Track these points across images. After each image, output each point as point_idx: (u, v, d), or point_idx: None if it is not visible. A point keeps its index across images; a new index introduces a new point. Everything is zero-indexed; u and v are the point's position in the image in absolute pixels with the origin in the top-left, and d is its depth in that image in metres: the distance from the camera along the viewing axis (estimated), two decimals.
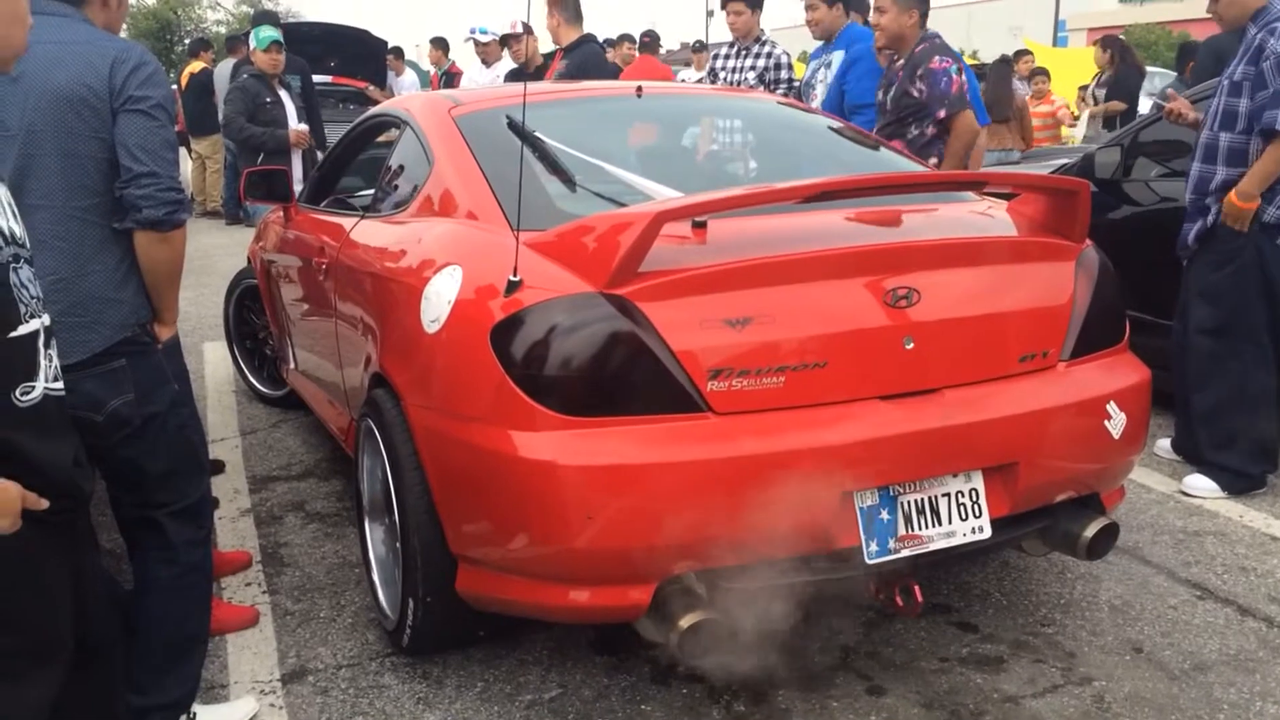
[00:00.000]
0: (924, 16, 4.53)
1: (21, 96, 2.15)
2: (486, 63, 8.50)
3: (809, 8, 5.40)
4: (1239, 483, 3.82)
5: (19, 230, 1.63)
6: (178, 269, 2.38)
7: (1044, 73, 10.07)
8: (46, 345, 1.62)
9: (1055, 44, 25.48)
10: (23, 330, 1.56)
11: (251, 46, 6.42)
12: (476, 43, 8.43)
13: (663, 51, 17.89)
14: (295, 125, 6.31)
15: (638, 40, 10.90)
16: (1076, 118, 9.86)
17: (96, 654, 1.75)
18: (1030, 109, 9.13)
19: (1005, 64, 9.64)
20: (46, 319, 1.64)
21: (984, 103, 8.91)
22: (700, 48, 15.02)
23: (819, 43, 5.55)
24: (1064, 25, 33.93)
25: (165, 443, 2.33)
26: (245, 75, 6.53)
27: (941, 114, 4.38)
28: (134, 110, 2.20)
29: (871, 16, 4.70)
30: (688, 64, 15.51)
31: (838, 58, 5.32)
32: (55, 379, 1.63)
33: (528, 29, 7.26)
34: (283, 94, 6.37)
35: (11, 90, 2.14)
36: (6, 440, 1.50)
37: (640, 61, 9.47)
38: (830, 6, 5.33)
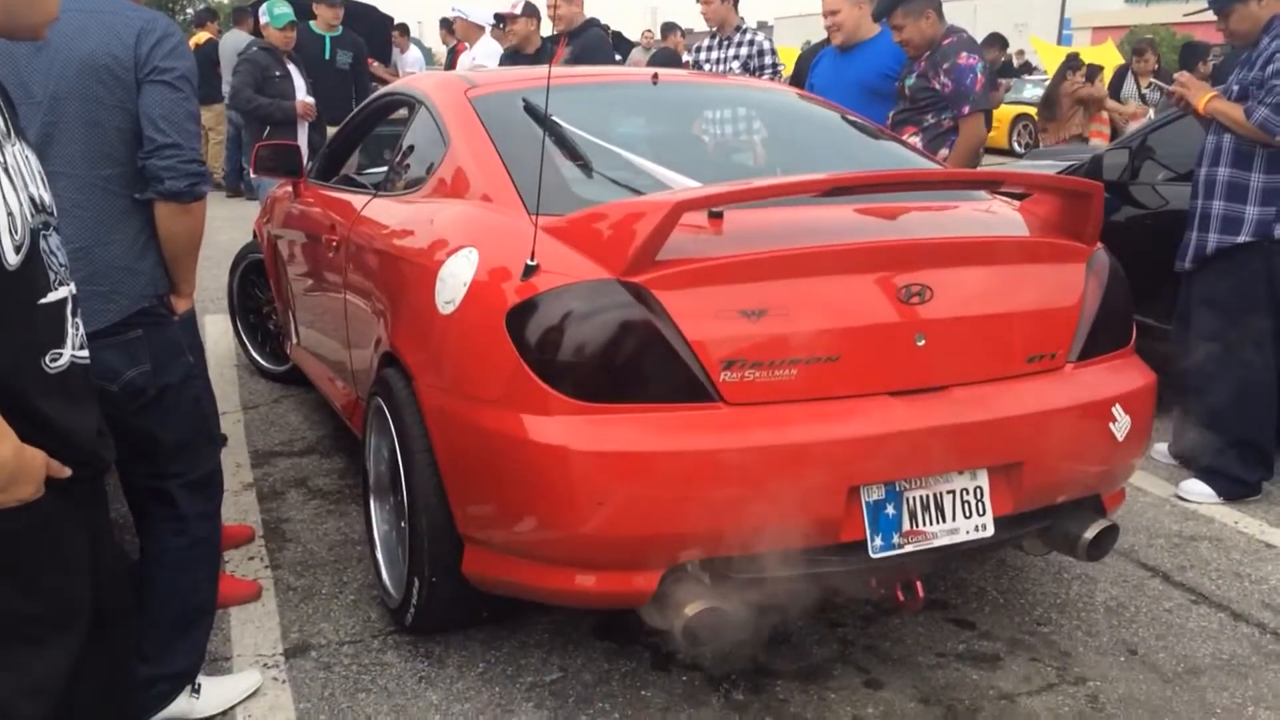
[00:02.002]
0: (939, 11, 4.49)
1: (46, 64, 2.15)
2: (469, 43, 8.37)
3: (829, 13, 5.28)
4: (1235, 489, 3.85)
5: (48, 198, 1.63)
6: (197, 241, 2.38)
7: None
8: (74, 313, 1.63)
9: (1060, 42, 25.47)
10: (52, 297, 1.56)
11: (264, 21, 6.39)
12: (463, 22, 8.27)
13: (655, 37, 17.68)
14: (302, 97, 6.29)
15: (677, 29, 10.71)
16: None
17: (109, 623, 1.76)
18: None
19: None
20: (73, 286, 1.65)
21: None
22: (671, 28, 14.83)
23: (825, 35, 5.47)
24: (1069, 23, 33.93)
25: (179, 414, 2.35)
26: (255, 48, 6.51)
27: (965, 110, 4.33)
28: (159, 81, 2.20)
29: (894, 35, 4.60)
30: (648, 48, 15.34)
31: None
32: (81, 347, 1.63)
33: (531, 9, 7.20)
34: (292, 68, 6.36)
35: (37, 58, 2.14)
36: (35, 407, 1.51)
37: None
38: (855, 7, 5.09)
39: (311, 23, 7.38)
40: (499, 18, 7.22)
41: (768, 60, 5.75)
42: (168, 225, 2.28)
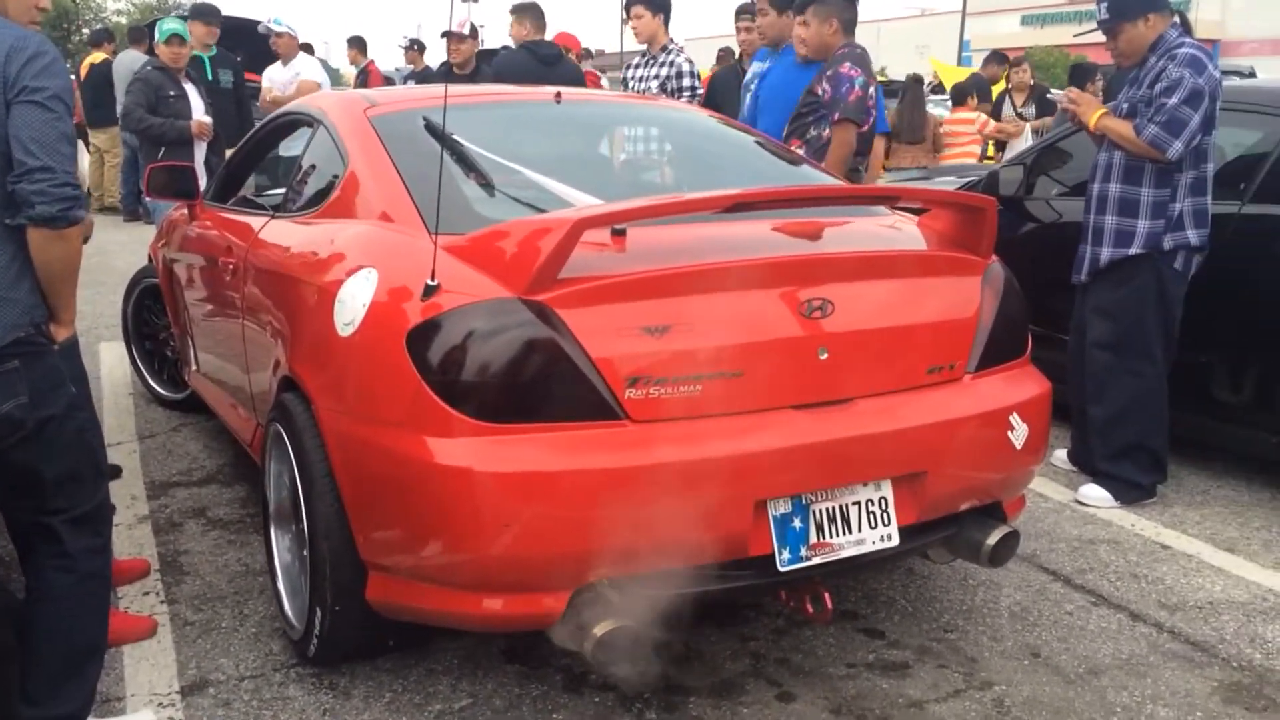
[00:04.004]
0: (846, 25, 4.54)
1: None
2: (284, 60, 8.24)
3: (759, 12, 5.35)
4: (1131, 493, 3.96)
5: None
6: (74, 267, 2.27)
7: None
8: None
9: (960, 63, 26.21)
10: None
11: (156, 39, 6.24)
12: (274, 35, 8.15)
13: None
14: (199, 117, 6.13)
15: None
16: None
17: None
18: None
19: (918, 84, 9.82)
20: None
21: (897, 124, 9.05)
22: (587, 54, 14.97)
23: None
24: (969, 45, 34.93)
25: (61, 447, 2.24)
26: (148, 67, 6.34)
27: (836, 116, 4.38)
28: (28, 101, 2.09)
29: (795, 30, 4.71)
30: None
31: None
32: None
33: (474, 32, 7.17)
34: (189, 88, 6.20)
35: None
36: None
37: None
38: (780, 13, 5.21)
39: None
40: (446, 35, 7.10)
41: (685, 82, 5.79)
42: (41, 252, 2.16)
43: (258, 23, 11.21)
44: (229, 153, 6.32)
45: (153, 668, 2.75)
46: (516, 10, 6.39)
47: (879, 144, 4.79)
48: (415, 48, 11.34)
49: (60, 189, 2.10)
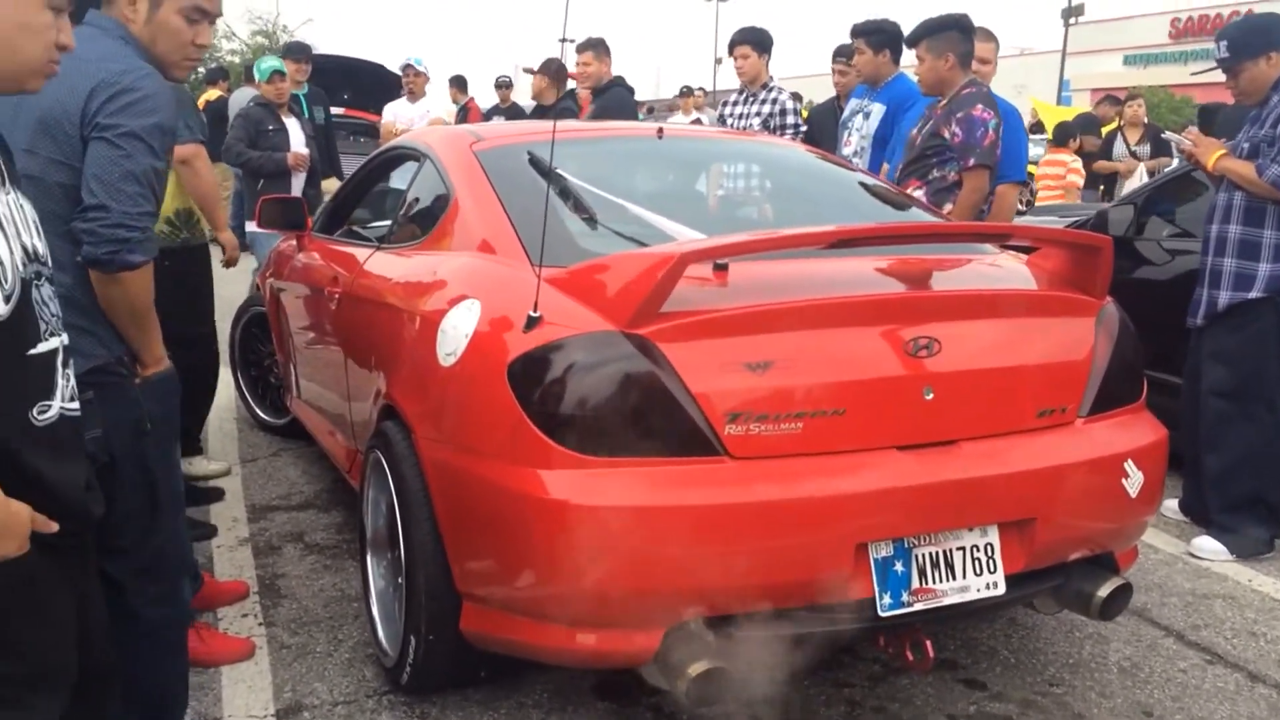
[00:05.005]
0: (962, 59, 4.34)
1: (24, 115, 2.06)
2: (414, 97, 8.57)
3: (856, 51, 5.29)
4: (1247, 546, 3.78)
5: (41, 248, 1.61)
6: (137, 312, 2.18)
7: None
8: (64, 364, 1.59)
9: (1060, 103, 25.73)
10: (42, 348, 1.53)
11: (255, 78, 6.44)
12: (414, 71, 8.47)
13: (671, 94, 17.98)
14: (297, 149, 6.27)
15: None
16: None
17: (97, 683, 1.71)
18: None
19: None
20: (65, 337, 1.62)
21: None
22: (687, 92, 15.09)
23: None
24: (1068, 85, 34.32)
25: (127, 487, 2.14)
26: (251, 103, 6.55)
27: (970, 162, 4.18)
28: (98, 138, 2.06)
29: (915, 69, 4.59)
30: (672, 110, 15.60)
31: (878, 110, 5.20)
32: (71, 399, 1.60)
33: (550, 64, 7.32)
34: (289, 122, 6.34)
35: (17, 108, 2.05)
36: (22, 460, 1.47)
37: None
38: (876, 53, 5.15)
39: None
40: (530, 71, 7.31)
41: (789, 120, 5.75)
42: (101, 291, 2.10)
43: (364, 62, 11.56)
44: (327, 184, 6.52)
45: (249, 690, 2.79)
46: (595, 47, 6.42)
47: (1011, 192, 4.53)
48: (503, 84, 11.67)
49: (111, 230, 2.05)
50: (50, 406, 1.53)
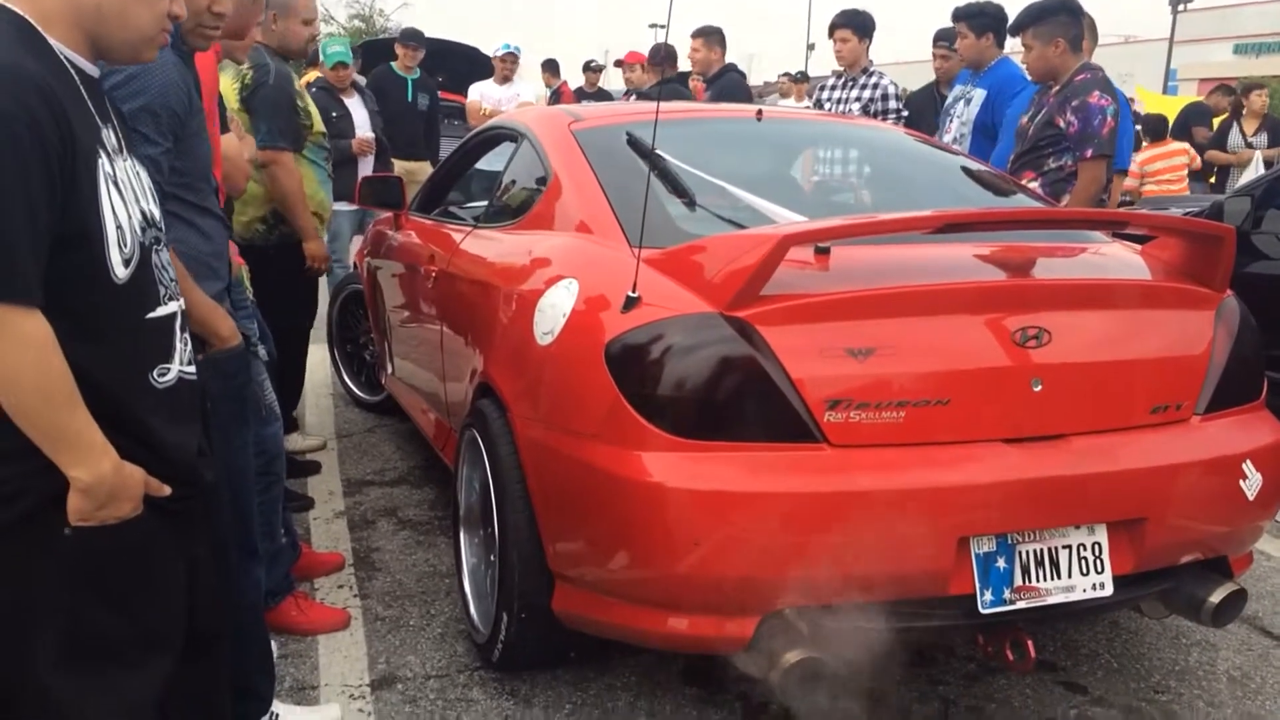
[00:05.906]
0: (1073, 43, 4.14)
1: None
2: (509, 79, 8.57)
3: (958, 35, 5.17)
4: None
5: (158, 213, 1.64)
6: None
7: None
8: (182, 328, 1.63)
9: (1166, 92, 24.81)
10: (161, 311, 1.56)
11: (320, 61, 6.47)
12: (512, 56, 8.50)
13: (760, 82, 17.79)
14: (362, 134, 6.31)
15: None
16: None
17: (206, 647, 1.74)
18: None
19: None
20: (183, 301, 1.65)
21: None
22: (802, 78, 14.93)
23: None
24: (1175, 74, 33.13)
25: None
26: (313, 89, 6.58)
27: (1089, 153, 4.00)
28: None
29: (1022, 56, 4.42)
30: (785, 94, 15.43)
31: (979, 96, 5.05)
32: (189, 363, 1.63)
33: (670, 55, 7.29)
34: (351, 103, 6.35)
35: None
36: (139, 422, 1.50)
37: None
38: (979, 36, 5.02)
39: (393, 64, 7.53)
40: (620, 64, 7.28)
41: (891, 105, 5.63)
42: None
43: (460, 45, 11.65)
44: (398, 165, 6.54)
45: (345, 659, 2.84)
46: (707, 35, 6.39)
47: (1117, 181, 4.33)
48: (593, 68, 11.69)
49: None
50: (169, 369, 1.56)
